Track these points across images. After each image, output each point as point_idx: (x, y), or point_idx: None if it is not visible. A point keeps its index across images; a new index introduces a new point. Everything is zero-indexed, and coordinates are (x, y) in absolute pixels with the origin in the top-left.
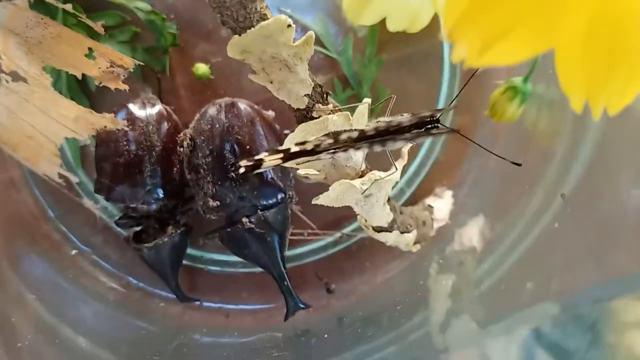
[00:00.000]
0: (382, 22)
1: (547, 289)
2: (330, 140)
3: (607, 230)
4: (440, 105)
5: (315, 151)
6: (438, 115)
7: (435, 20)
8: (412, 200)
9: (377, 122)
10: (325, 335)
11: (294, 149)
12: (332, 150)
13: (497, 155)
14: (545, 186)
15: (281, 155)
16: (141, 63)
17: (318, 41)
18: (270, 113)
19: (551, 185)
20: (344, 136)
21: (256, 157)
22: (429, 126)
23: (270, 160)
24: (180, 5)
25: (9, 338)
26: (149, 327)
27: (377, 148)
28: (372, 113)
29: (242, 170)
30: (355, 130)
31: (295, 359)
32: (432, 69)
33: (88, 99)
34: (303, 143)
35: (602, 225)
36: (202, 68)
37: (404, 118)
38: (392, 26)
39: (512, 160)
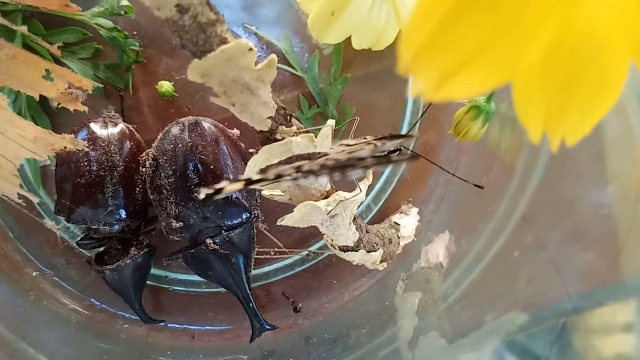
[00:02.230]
0: (348, 39)
1: (513, 301)
2: (292, 171)
3: (569, 240)
4: (407, 120)
5: (275, 179)
6: (398, 144)
7: (399, 37)
8: (379, 216)
9: (340, 144)
10: (292, 357)
11: (255, 177)
12: (293, 178)
13: (459, 178)
14: (507, 200)
15: (242, 183)
16: (101, 85)
17: (284, 59)
18: (235, 131)
19: (512, 199)
20: (305, 167)
21: (216, 186)
22: (391, 152)
23: (231, 187)
24: (143, 21)
25: None
26: (113, 348)
27: (337, 177)
28: (337, 133)
29: (202, 196)
30: (316, 161)
31: None
32: (398, 85)
33: (49, 117)
34: (265, 171)
35: (564, 235)
36: (165, 85)
37: (365, 150)
38: (357, 44)
39: (475, 183)
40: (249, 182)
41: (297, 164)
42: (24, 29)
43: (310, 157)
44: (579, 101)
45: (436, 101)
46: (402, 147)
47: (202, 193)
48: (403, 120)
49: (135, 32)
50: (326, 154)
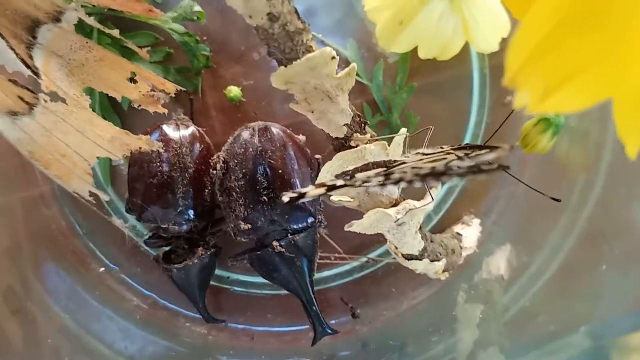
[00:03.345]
0: (414, 49)
1: (573, 320)
2: (382, 178)
3: (633, 260)
4: (470, 132)
5: (362, 185)
6: (493, 158)
7: (465, 48)
8: (439, 227)
9: (416, 153)
10: None
11: (340, 183)
12: (380, 185)
13: (538, 191)
14: (568, 215)
15: (325, 189)
16: (183, 89)
17: None
18: (302, 137)
19: (573, 214)
20: (396, 175)
21: (301, 191)
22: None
23: (314, 192)
24: (213, 27)
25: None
26: (174, 346)
27: (433, 181)
28: (405, 141)
29: (285, 200)
30: (409, 170)
31: None
32: (462, 97)
33: (120, 119)
34: (351, 177)
35: (627, 255)
36: (234, 91)
37: (464, 161)
38: (424, 54)
39: (552, 197)
40: (332, 187)
41: (381, 170)
42: (116, 32)
43: (386, 164)
44: None
45: (541, 113)
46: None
47: (286, 197)
48: (466, 131)
49: (205, 38)
50: (403, 162)
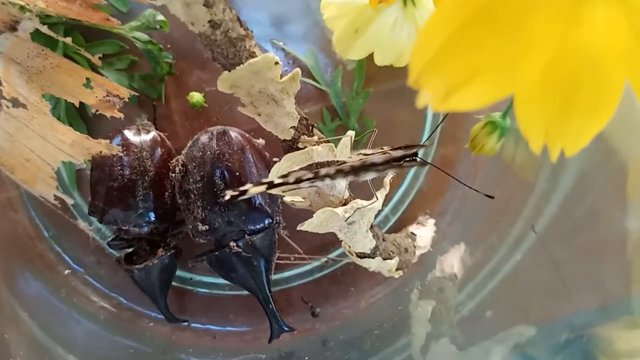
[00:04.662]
0: (370, 56)
1: (524, 315)
2: (311, 175)
3: (586, 258)
4: (426, 135)
5: (295, 183)
6: (411, 152)
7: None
8: (397, 227)
9: (358, 154)
10: (309, 358)
11: (277, 181)
12: (311, 181)
13: (471, 188)
14: (524, 215)
15: (265, 186)
16: (136, 94)
17: (309, 73)
18: (261, 141)
19: (528, 216)
20: (322, 172)
21: (241, 188)
22: (405, 160)
23: (254, 189)
24: (176, 35)
25: (2, 355)
26: (138, 346)
27: (351, 178)
28: (357, 144)
29: (227, 197)
30: (333, 166)
31: None
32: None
33: (85, 124)
34: (286, 176)
35: (578, 253)
36: (196, 96)
37: (379, 157)
38: (380, 60)
39: (487, 194)
40: (271, 185)
41: (315, 169)
42: (68, 40)
43: (330, 164)
44: (577, 115)
45: (443, 112)
46: (414, 156)
47: (228, 195)
48: (422, 135)
49: (169, 46)
50: (344, 162)
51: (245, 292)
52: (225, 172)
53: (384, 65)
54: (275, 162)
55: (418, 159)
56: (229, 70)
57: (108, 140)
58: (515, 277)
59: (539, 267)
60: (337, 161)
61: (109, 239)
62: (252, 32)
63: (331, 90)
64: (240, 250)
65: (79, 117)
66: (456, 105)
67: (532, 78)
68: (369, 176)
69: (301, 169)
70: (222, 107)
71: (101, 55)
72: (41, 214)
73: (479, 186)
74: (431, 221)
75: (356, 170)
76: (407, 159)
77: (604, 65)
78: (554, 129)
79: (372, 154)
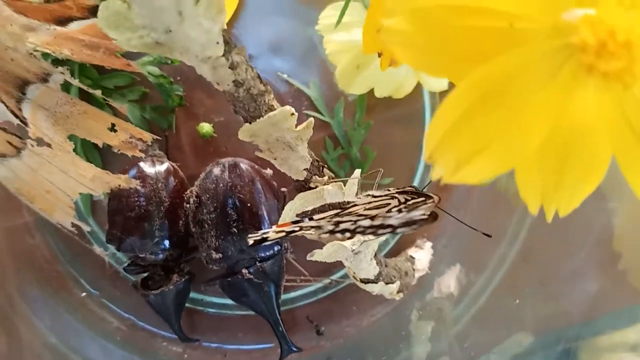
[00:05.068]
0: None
1: (519, 328)
2: (330, 228)
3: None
4: (422, 162)
5: (315, 230)
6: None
7: (417, 87)
8: (396, 249)
9: (366, 195)
10: None
11: (297, 229)
12: (329, 232)
13: (468, 226)
14: (508, 236)
15: (284, 233)
16: (158, 137)
17: (312, 104)
18: (269, 171)
19: (512, 235)
20: (342, 226)
21: (261, 233)
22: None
23: (274, 235)
24: (186, 67)
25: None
26: None
27: (369, 236)
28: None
29: (250, 242)
30: (351, 222)
31: None
32: (416, 130)
33: (99, 151)
34: (310, 218)
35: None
36: (206, 127)
37: (394, 219)
38: (379, 93)
39: (484, 232)
40: (290, 232)
41: (335, 219)
42: (98, 92)
43: (340, 205)
44: (569, 182)
45: (454, 182)
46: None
47: (251, 240)
48: (419, 160)
49: (178, 78)
50: (355, 204)
51: (253, 312)
52: (238, 203)
53: (383, 97)
54: (284, 192)
55: (430, 217)
56: (250, 122)
57: (127, 176)
58: (505, 293)
59: (527, 283)
60: (348, 202)
61: (125, 264)
62: (271, 86)
63: (334, 121)
64: (252, 276)
65: (94, 149)
66: (465, 178)
67: (531, 151)
68: (386, 234)
69: (315, 210)
70: (230, 137)
71: (113, 87)
72: (58, 239)
73: (474, 210)
74: (428, 244)
75: (374, 228)
76: (422, 217)
77: (593, 140)
78: (549, 193)
79: (380, 196)
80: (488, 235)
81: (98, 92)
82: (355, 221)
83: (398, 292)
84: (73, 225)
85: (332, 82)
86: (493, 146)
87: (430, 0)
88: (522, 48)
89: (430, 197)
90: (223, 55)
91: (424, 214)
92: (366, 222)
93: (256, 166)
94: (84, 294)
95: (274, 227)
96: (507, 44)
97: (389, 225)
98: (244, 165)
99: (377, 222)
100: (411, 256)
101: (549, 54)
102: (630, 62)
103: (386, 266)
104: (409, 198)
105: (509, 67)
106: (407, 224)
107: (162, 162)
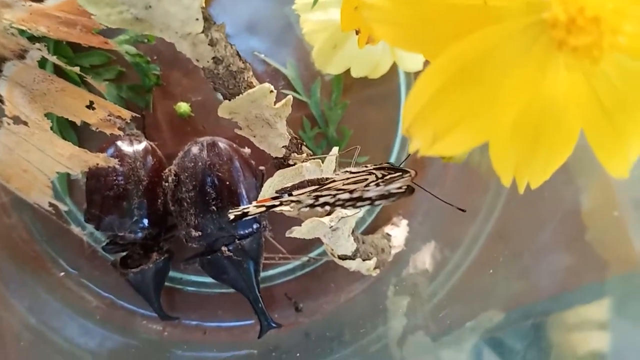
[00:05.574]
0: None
1: (491, 304)
2: (310, 202)
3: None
4: (398, 138)
5: (295, 204)
6: (403, 183)
7: (393, 67)
8: (372, 227)
9: (344, 171)
10: (293, 350)
11: (277, 203)
12: (309, 205)
13: (443, 201)
14: (483, 212)
15: (264, 208)
16: (138, 115)
17: (289, 84)
18: (247, 150)
19: (487, 211)
20: (321, 200)
21: (241, 208)
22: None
23: (255, 210)
24: (163, 47)
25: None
26: (132, 341)
27: (348, 209)
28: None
29: (231, 217)
30: (330, 195)
31: None
32: (391, 109)
33: (75, 130)
34: (289, 194)
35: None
36: (183, 106)
37: (372, 191)
38: (355, 73)
39: (459, 207)
40: (270, 207)
41: (314, 188)
42: (76, 69)
43: (319, 182)
44: (541, 155)
45: (431, 155)
46: (405, 186)
47: (232, 214)
48: (395, 139)
49: (155, 57)
50: (333, 180)
51: (232, 290)
52: (216, 181)
53: (359, 77)
54: (262, 170)
55: (407, 190)
56: (229, 100)
57: (105, 154)
58: (479, 269)
59: (500, 259)
60: (326, 178)
61: (104, 244)
62: (249, 64)
63: (311, 101)
64: (231, 254)
65: (70, 127)
66: (442, 151)
67: (505, 125)
68: (365, 206)
69: (294, 186)
70: (208, 116)
71: (89, 66)
72: (35, 219)
73: (450, 186)
74: (404, 222)
75: (354, 201)
76: (399, 190)
77: (564, 115)
78: (521, 166)
79: (357, 172)
80: (462, 210)
81: (76, 69)
82: (335, 194)
83: (375, 268)
84: (50, 204)
85: (309, 61)
86: (468, 120)
87: None
88: (496, 25)
89: (407, 172)
90: (202, 31)
91: (400, 187)
92: (345, 196)
93: (234, 145)
94: (62, 273)
95: (254, 202)
96: (482, 21)
97: (368, 198)
98: (222, 144)
99: (355, 195)
100: (387, 233)
101: (522, 31)
102: (598, 37)
103: (363, 243)
104: (386, 173)
105: (484, 44)
106: (384, 196)
107: (140, 141)
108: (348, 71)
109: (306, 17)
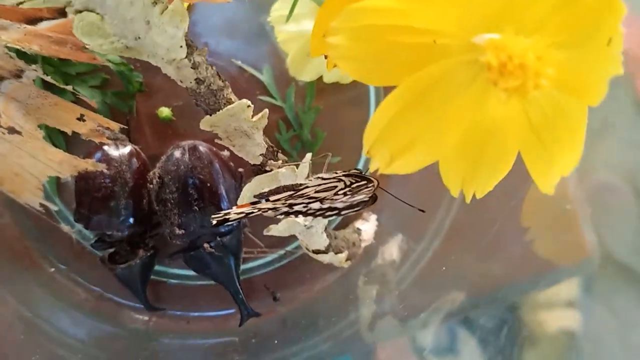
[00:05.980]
0: None
1: (455, 289)
2: (285, 210)
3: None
4: None
5: (272, 212)
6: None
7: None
8: (344, 222)
9: (317, 178)
10: (272, 337)
11: (255, 210)
12: (284, 213)
13: (405, 203)
14: (443, 207)
15: (244, 214)
16: (125, 127)
17: (265, 89)
18: (226, 153)
19: (447, 206)
20: (295, 208)
21: (222, 213)
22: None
23: (235, 216)
24: None
25: None
26: (120, 332)
27: (319, 218)
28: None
29: (214, 222)
30: (304, 204)
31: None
32: (362, 112)
33: (63, 136)
34: (266, 199)
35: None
36: (165, 111)
37: (340, 202)
38: (328, 79)
39: (419, 208)
40: (249, 213)
41: (289, 201)
42: (69, 87)
43: (294, 187)
44: (484, 171)
45: (388, 173)
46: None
47: (214, 220)
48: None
49: (138, 65)
50: (306, 185)
51: (213, 282)
52: (198, 183)
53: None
54: (240, 172)
55: (370, 200)
56: (210, 115)
57: (93, 160)
58: (441, 259)
59: (460, 250)
60: (300, 184)
61: (92, 241)
62: (227, 82)
63: (286, 105)
64: (213, 250)
65: (59, 132)
66: (398, 169)
67: (451, 146)
68: (332, 216)
69: (271, 192)
70: (189, 120)
71: (75, 74)
72: (25, 218)
73: (415, 185)
74: (374, 217)
75: (323, 211)
76: (363, 200)
77: (503, 138)
78: (467, 180)
79: (328, 178)
80: (422, 211)
81: (69, 88)
82: (307, 204)
83: (346, 260)
84: (41, 205)
85: (284, 67)
86: (420, 142)
87: (366, 20)
88: (443, 61)
89: (371, 181)
90: (186, 57)
91: (364, 198)
92: (316, 205)
93: (214, 148)
94: (52, 269)
95: (234, 209)
96: (432, 57)
97: (335, 208)
98: (203, 147)
99: (325, 205)
100: (358, 228)
101: (465, 66)
102: (524, 80)
103: (335, 238)
104: (354, 181)
105: (433, 77)
106: (350, 206)
107: (125, 145)
108: (321, 77)
109: (280, 29)
